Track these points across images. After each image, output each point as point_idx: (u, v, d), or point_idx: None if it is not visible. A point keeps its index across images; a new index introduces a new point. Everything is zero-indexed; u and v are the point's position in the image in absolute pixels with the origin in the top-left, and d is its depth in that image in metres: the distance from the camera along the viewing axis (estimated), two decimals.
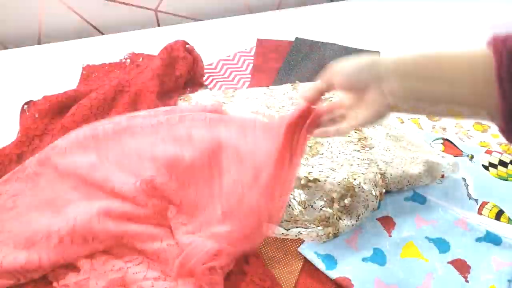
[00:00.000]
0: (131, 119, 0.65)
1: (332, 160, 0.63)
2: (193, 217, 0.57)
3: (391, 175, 0.60)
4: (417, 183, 0.61)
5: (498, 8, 1.08)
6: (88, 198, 0.59)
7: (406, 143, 0.68)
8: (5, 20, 0.96)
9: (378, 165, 0.61)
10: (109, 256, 0.53)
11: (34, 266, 0.50)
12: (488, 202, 0.62)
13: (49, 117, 0.73)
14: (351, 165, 0.61)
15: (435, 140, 0.72)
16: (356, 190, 0.57)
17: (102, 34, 1.05)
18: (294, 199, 0.57)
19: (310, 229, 0.56)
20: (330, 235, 0.56)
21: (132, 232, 0.53)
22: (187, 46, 0.85)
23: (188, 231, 0.55)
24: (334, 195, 0.57)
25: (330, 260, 0.55)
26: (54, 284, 0.51)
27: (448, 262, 0.54)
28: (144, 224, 0.55)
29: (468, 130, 0.75)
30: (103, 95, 0.74)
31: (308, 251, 0.56)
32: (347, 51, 0.92)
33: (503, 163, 0.67)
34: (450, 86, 0.39)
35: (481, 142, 0.73)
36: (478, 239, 0.56)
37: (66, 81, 0.86)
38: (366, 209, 0.57)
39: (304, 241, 0.57)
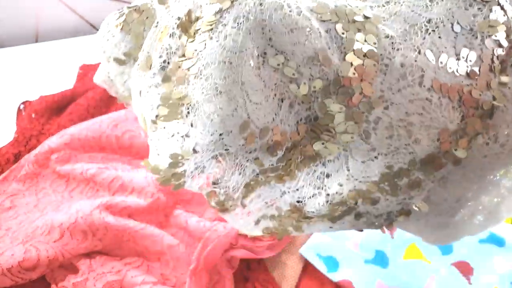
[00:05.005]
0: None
1: None
2: (206, 208, 0.57)
3: None
4: None
5: None
6: (91, 197, 0.59)
7: None
8: (2, 18, 0.95)
9: None
10: (108, 257, 0.53)
11: (32, 263, 0.49)
12: None
13: (46, 117, 0.73)
14: None
15: None
16: None
17: None
18: None
19: None
20: None
21: (132, 230, 0.53)
22: None
23: (202, 220, 0.55)
24: None
25: (332, 262, 0.54)
26: (53, 285, 0.51)
27: (451, 264, 0.54)
28: (146, 223, 0.54)
29: None
30: (100, 95, 0.74)
31: (309, 252, 0.55)
32: None
33: None
34: None
35: None
36: (481, 241, 0.55)
37: (64, 79, 0.85)
38: None
39: (305, 242, 0.56)
